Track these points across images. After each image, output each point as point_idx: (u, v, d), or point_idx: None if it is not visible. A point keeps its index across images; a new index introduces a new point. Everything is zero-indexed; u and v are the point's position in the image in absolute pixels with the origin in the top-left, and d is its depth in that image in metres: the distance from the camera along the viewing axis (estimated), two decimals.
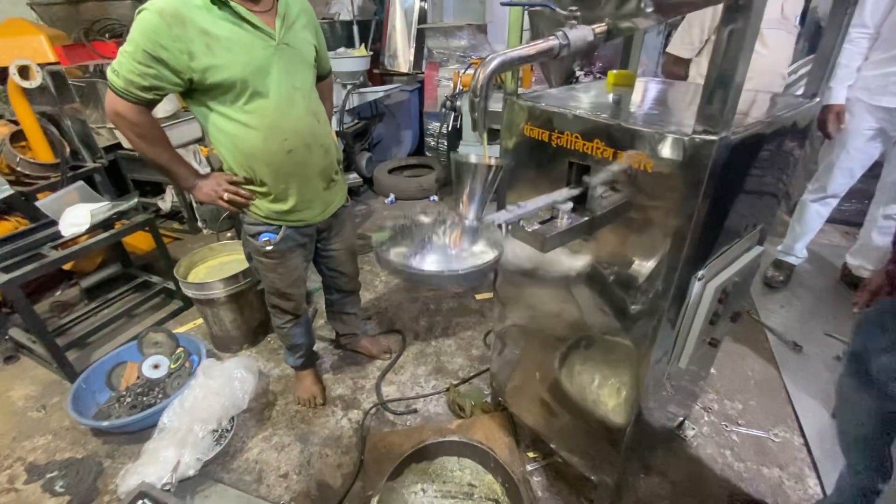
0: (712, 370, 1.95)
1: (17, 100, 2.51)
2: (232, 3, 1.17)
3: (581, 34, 0.83)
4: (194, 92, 1.24)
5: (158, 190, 3.50)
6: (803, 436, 1.71)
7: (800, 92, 1.20)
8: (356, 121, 3.78)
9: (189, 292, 2.02)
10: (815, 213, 2.38)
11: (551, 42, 0.80)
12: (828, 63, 1.12)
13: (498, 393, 1.75)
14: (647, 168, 0.90)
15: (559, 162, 1.09)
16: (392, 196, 3.69)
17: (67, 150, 2.87)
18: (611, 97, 1.19)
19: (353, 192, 3.82)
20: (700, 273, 1.00)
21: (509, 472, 1.41)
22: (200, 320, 2.33)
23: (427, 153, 4.28)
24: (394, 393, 1.96)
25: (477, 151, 0.94)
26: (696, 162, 0.82)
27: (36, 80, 2.47)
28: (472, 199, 0.91)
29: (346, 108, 3.47)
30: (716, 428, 1.75)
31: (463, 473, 1.53)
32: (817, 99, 1.15)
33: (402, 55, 3.92)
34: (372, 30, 4.16)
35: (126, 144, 3.05)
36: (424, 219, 0.94)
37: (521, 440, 1.70)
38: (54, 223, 2.15)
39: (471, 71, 3.52)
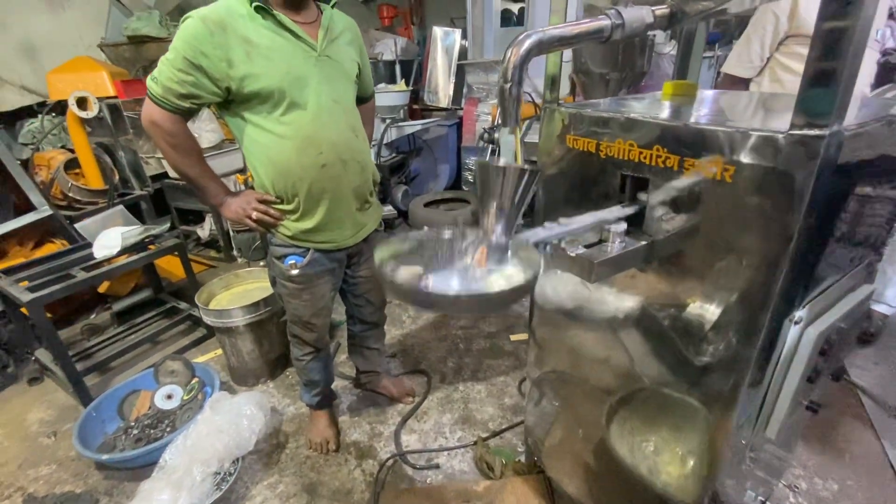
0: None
1: (74, 129, 2.64)
2: (275, 13, 1.16)
3: (638, 14, 0.68)
4: (231, 103, 1.22)
5: (200, 219, 3.57)
6: None
7: None
8: (394, 154, 3.78)
9: (208, 319, 1.94)
10: None
11: (601, 22, 0.66)
12: None
13: (533, 451, 1.51)
14: (725, 178, 0.71)
15: (609, 177, 0.92)
16: (426, 229, 3.59)
17: (117, 177, 2.99)
18: (667, 104, 1.03)
19: (387, 224, 3.76)
20: (797, 315, 0.78)
21: None
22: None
23: (464, 187, 4.20)
24: (414, 443, 1.75)
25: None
26: (796, 166, 0.63)
27: (92, 110, 2.60)
28: (501, 212, 0.75)
29: (385, 141, 3.48)
30: None
31: None
32: None
33: (441, 91, 3.94)
34: (414, 71, 4.24)
35: (172, 173, 3.15)
36: (441, 234, 0.79)
37: None
38: (91, 245, 2.17)
39: None
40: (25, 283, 1.92)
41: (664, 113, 0.90)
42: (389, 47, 4.49)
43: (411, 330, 2.45)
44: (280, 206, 1.33)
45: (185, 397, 1.90)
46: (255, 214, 1.30)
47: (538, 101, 2.88)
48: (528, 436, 1.52)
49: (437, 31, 3.82)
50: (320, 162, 1.26)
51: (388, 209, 3.56)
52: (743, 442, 0.94)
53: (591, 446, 1.22)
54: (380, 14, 5.72)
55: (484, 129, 3.45)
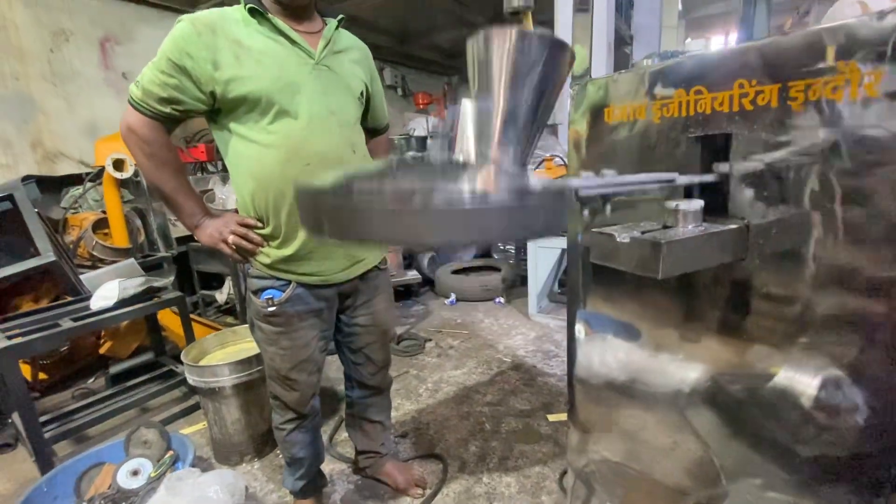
0: None
1: (108, 189, 2.70)
2: (271, 17, 1.09)
3: None
4: (218, 113, 1.12)
5: (223, 284, 3.49)
6: None
7: None
8: None
9: (191, 378, 1.69)
10: None
11: None
12: None
13: None
14: (867, 94, 0.45)
15: (670, 149, 0.66)
16: (453, 296, 3.33)
17: (142, 237, 2.99)
18: None
19: (412, 291, 3.54)
20: None
21: None
22: None
23: (494, 255, 4.00)
24: None
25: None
26: None
27: (128, 171, 2.67)
28: (510, 124, 0.50)
29: None
30: None
31: None
32: None
33: (470, 157, 3.93)
34: (445, 147, 4.33)
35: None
36: (423, 161, 0.56)
37: None
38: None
39: (541, 168, 3.37)
40: (16, 331, 1.78)
41: None
42: (421, 125, 4.68)
43: (428, 404, 2.08)
44: (262, 232, 1.14)
45: (153, 474, 1.58)
46: (231, 238, 1.12)
47: None
48: None
49: (466, 102, 3.91)
50: (306, 174, 1.09)
51: (413, 274, 3.37)
52: None
53: None
54: (416, 101, 6.12)
55: None
